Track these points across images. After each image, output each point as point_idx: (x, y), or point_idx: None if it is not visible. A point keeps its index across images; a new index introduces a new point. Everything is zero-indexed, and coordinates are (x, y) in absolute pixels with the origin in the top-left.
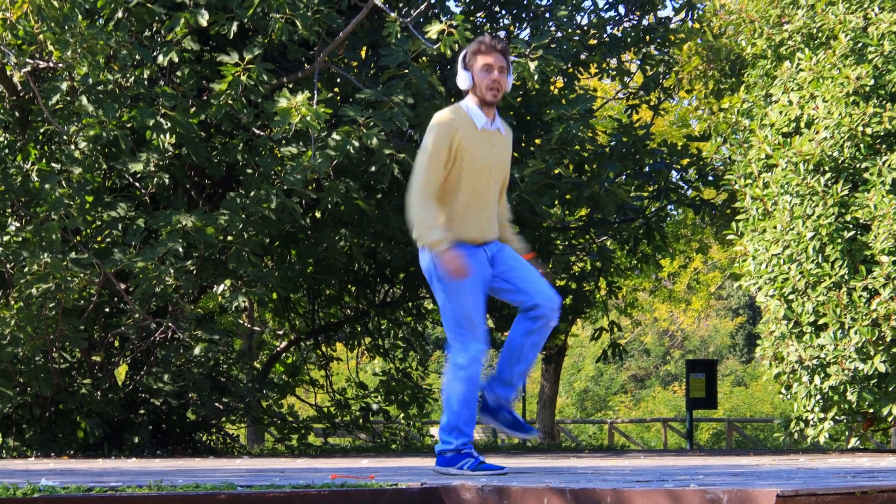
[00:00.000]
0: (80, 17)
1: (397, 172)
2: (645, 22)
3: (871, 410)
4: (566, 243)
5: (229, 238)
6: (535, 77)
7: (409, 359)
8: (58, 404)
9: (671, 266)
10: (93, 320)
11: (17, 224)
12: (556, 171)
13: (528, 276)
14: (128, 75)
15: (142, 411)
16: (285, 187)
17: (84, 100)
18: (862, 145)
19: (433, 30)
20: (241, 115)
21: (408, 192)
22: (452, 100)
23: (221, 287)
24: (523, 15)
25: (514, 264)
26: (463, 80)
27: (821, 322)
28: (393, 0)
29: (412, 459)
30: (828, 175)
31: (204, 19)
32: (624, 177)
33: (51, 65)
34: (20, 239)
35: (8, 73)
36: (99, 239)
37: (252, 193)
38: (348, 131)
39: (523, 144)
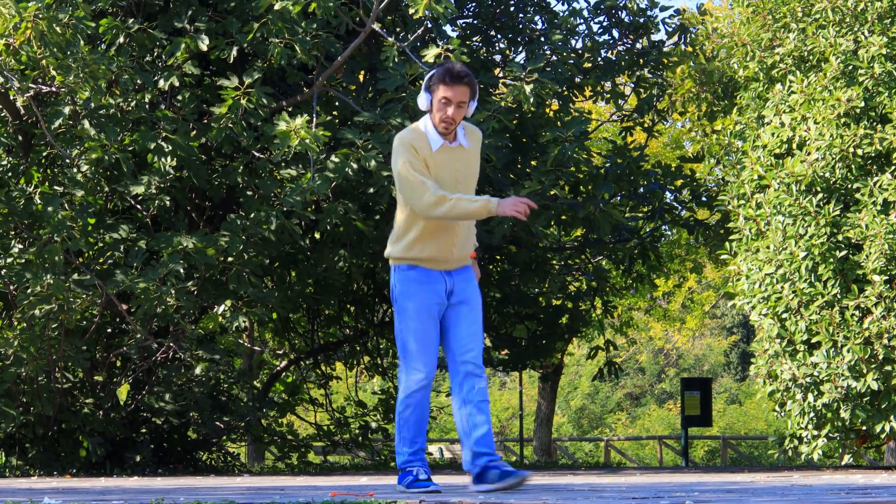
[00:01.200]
0: (82, 42)
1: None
2: (639, 45)
3: (865, 428)
4: (562, 263)
5: (230, 259)
6: (531, 100)
7: None
8: (60, 423)
9: (666, 285)
10: (95, 340)
11: (21, 246)
12: (552, 193)
13: (463, 344)
14: (129, 99)
15: (143, 430)
16: (285, 209)
17: (86, 123)
18: (853, 166)
19: (430, 54)
20: (240, 138)
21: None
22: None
23: (222, 307)
24: (518, 39)
25: (459, 324)
26: (422, 101)
27: (814, 340)
28: (390, 25)
29: None
30: (820, 195)
31: (204, 44)
32: (619, 198)
33: (53, 89)
34: (23, 261)
35: (11, 97)
36: (101, 260)
37: (252, 215)
38: (347, 154)
39: (519, 166)
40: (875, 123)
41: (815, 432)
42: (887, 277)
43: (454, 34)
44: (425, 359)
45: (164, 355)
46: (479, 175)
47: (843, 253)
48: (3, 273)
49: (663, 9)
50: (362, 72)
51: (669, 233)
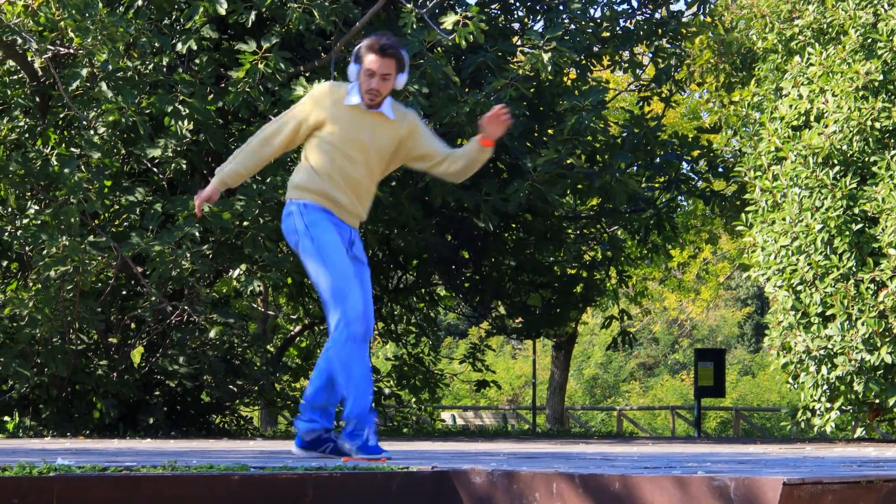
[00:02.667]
0: (100, 4)
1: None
2: (657, 15)
3: (878, 401)
4: (578, 232)
5: (245, 223)
6: (549, 68)
7: (421, 344)
8: (74, 385)
9: (681, 256)
10: (110, 303)
11: (37, 207)
12: (569, 161)
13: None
14: (147, 62)
15: (157, 393)
16: None
17: (104, 86)
18: (871, 139)
19: (448, 20)
20: (258, 102)
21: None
22: (467, 90)
23: (237, 271)
24: (537, 7)
25: (361, 277)
26: (351, 72)
27: (828, 313)
28: None
29: (423, 443)
30: (836, 168)
31: (222, 8)
32: (635, 167)
33: (71, 51)
34: (39, 222)
35: (29, 58)
36: (117, 223)
37: (268, 180)
38: None
39: (536, 135)
40: (893, 97)
41: (828, 405)
42: None
43: (472, 1)
44: (355, 293)
45: (179, 318)
46: (389, 158)
47: (859, 226)
48: (19, 234)
49: None
50: None
51: (685, 203)
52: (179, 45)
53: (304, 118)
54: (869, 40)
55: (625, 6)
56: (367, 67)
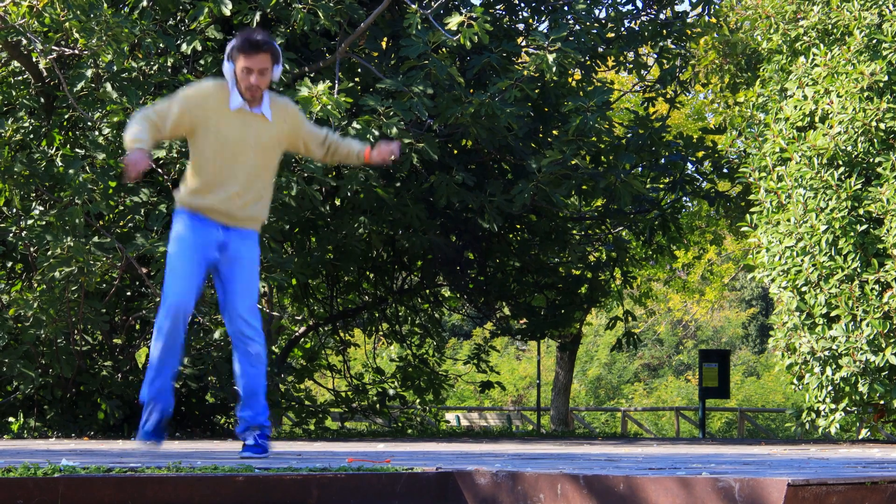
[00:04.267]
0: (105, 5)
1: (416, 161)
2: (662, 16)
3: (882, 402)
4: (582, 233)
5: None
6: (553, 69)
7: (425, 345)
8: (79, 386)
9: (685, 257)
10: (114, 303)
11: (42, 208)
12: (573, 162)
13: (237, 300)
14: (151, 63)
15: None
16: (305, 175)
17: (108, 87)
18: (875, 140)
19: (453, 21)
20: None
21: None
22: (472, 91)
23: None
24: (542, 8)
25: (234, 280)
26: (226, 71)
27: (833, 314)
28: None
29: (428, 444)
30: (841, 169)
31: (227, 9)
32: (640, 168)
33: (76, 52)
34: (44, 223)
35: (34, 59)
36: (121, 223)
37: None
38: (368, 120)
39: (541, 135)
40: None
41: (833, 406)
42: None
43: (477, 2)
44: (179, 292)
45: None
46: (275, 154)
47: (864, 227)
48: (23, 235)
49: None
50: (385, 39)
51: (690, 204)
52: (184, 46)
53: (186, 111)
54: (874, 41)
55: (629, 7)
56: (242, 66)
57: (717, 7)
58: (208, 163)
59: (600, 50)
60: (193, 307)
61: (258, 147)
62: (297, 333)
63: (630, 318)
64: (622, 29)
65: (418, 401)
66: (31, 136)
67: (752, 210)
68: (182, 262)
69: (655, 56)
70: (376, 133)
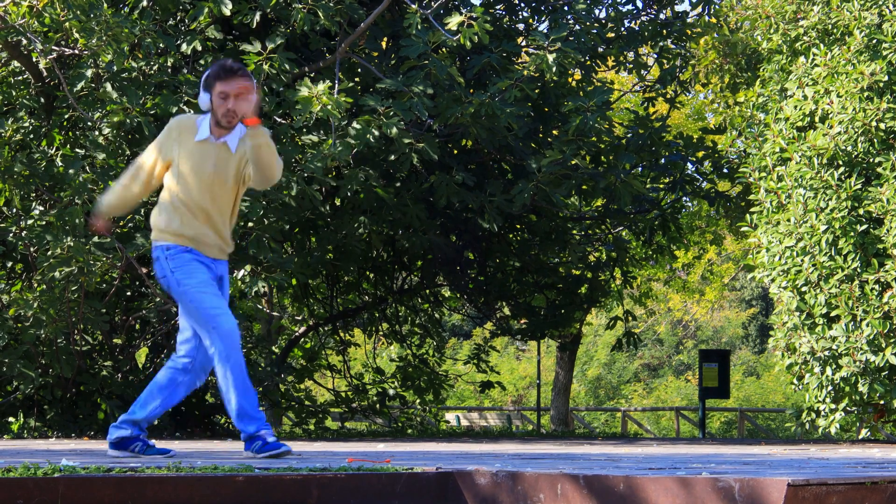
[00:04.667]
0: (105, 5)
1: (416, 161)
2: (662, 16)
3: (882, 402)
4: (582, 233)
5: (250, 224)
6: (553, 69)
7: (425, 345)
8: (79, 386)
9: (685, 257)
10: (114, 303)
11: (42, 208)
12: (573, 162)
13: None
14: (151, 63)
15: None
16: (306, 175)
17: (108, 87)
18: (875, 140)
19: (453, 21)
20: (262, 103)
21: None
22: (472, 91)
23: (242, 272)
24: (542, 8)
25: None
26: (203, 101)
27: (833, 314)
28: None
29: (428, 444)
30: (841, 169)
31: (227, 9)
32: (640, 168)
33: (76, 52)
34: (44, 223)
35: (34, 59)
36: (121, 223)
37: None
38: (368, 120)
39: (541, 136)
40: None
41: (833, 406)
42: None
43: (477, 2)
44: (225, 314)
45: None
46: (236, 185)
47: (864, 227)
48: (23, 235)
49: None
50: (385, 39)
51: (690, 204)
52: (184, 46)
53: (157, 154)
54: (874, 41)
55: (629, 7)
56: (219, 91)
57: (717, 7)
58: (182, 197)
59: (600, 50)
60: None
61: (220, 177)
62: (297, 333)
63: (630, 318)
64: (622, 29)
65: (418, 401)
66: (31, 136)
67: (752, 210)
68: (215, 296)
69: (655, 56)
70: (376, 133)
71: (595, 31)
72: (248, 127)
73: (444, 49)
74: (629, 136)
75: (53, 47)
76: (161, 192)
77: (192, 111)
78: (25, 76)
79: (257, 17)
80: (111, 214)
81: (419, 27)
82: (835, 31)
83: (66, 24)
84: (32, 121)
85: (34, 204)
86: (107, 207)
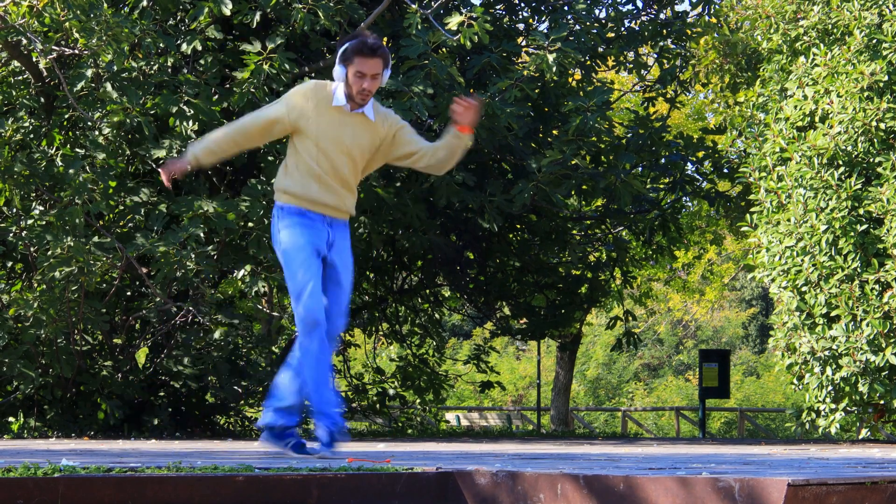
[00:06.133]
0: (105, 5)
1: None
2: (662, 16)
3: (882, 402)
4: (582, 233)
5: (250, 224)
6: (554, 69)
7: (425, 345)
8: (79, 386)
9: (685, 257)
10: (114, 303)
11: (42, 208)
12: (573, 162)
13: (335, 293)
14: (152, 63)
15: (162, 394)
16: None
17: (108, 86)
18: (876, 140)
19: (453, 21)
20: (263, 103)
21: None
22: (472, 91)
23: (242, 272)
24: (542, 8)
25: (334, 273)
26: (337, 73)
27: (833, 314)
28: None
29: (428, 444)
30: (841, 169)
31: (227, 9)
32: (640, 168)
33: (76, 52)
34: (44, 223)
35: (34, 59)
36: (121, 223)
37: (273, 180)
38: None
39: (541, 135)
40: None
41: (833, 406)
42: None
43: (477, 2)
44: (313, 298)
45: (184, 319)
46: (370, 157)
47: (864, 227)
48: (23, 235)
49: None
50: (385, 38)
51: (690, 204)
52: (184, 46)
53: (285, 115)
54: (874, 41)
55: (629, 7)
56: (357, 70)
57: (717, 7)
58: (310, 160)
59: (600, 50)
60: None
61: (355, 145)
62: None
63: (630, 318)
64: (622, 29)
65: (418, 401)
66: (31, 136)
67: (752, 210)
68: (308, 263)
69: (655, 56)
70: None
71: (595, 31)
72: (462, 134)
73: (444, 49)
74: (629, 136)
75: (53, 47)
76: (288, 155)
77: (191, 111)
78: (25, 76)
79: (257, 17)
80: (204, 161)
81: (419, 27)
82: (835, 30)
83: (66, 23)
84: (32, 121)
85: (34, 204)
86: (204, 151)
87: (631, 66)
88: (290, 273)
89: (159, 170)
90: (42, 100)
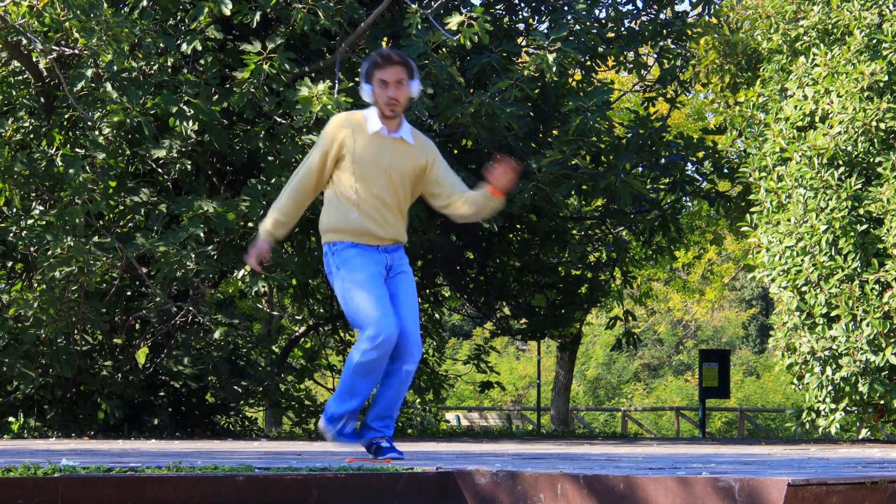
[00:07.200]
0: (105, 5)
1: None
2: (662, 16)
3: (882, 402)
4: (582, 233)
5: (250, 224)
6: (554, 69)
7: (425, 345)
8: (79, 386)
9: (685, 257)
10: (114, 303)
11: (42, 208)
12: (573, 162)
13: (405, 314)
14: (152, 63)
15: (162, 394)
16: None
17: (108, 86)
18: (875, 140)
19: (453, 21)
20: (262, 103)
21: None
22: (472, 91)
23: (242, 272)
24: (542, 8)
25: (399, 294)
26: (365, 93)
27: (833, 314)
28: None
29: (428, 444)
30: (841, 169)
31: (227, 9)
32: (640, 168)
33: (76, 52)
34: (44, 222)
35: (34, 59)
36: (121, 223)
37: (273, 180)
38: None
39: (541, 135)
40: None
41: (833, 406)
42: None
43: (477, 2)
44: (383, 313)
45: (184, 319)
46: (413, 183)
47: (864, 227)
48: (24, 235)
49: None
50: (385, 38)
51: (690, 204)
52: (184, 46)
53: (327, 151)
54: (874, 41)
55: (629, 7)
56: (378, 79)
57: (717, 7)
58: (353, 190)
59: (600, 50)
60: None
61: (395, 169)
62: (297, 333)
63: (630, 318)
64: (622, 29)
65: (418, 401)
66: (31, 136)
67: (752, 210)
68: (378, 292)
69: (655, 56)
70: None
71: (595, 31)
72: (495, 197)
73: (444, 49)
74: (629, 136)
75: (53, 47)
76: (331, 189)
77: (191, 111)
78: (25, 76)
79: (257, 16)
80: (277, 233)
81: (419, 27)
82: (835, 31)
83: (66, 23)
84: (32, 121)
85: (34, 204)
86: (275, 225)
87: (631, 66)
88: (357, 303)
89: (247, 262)
90: (42, 100)
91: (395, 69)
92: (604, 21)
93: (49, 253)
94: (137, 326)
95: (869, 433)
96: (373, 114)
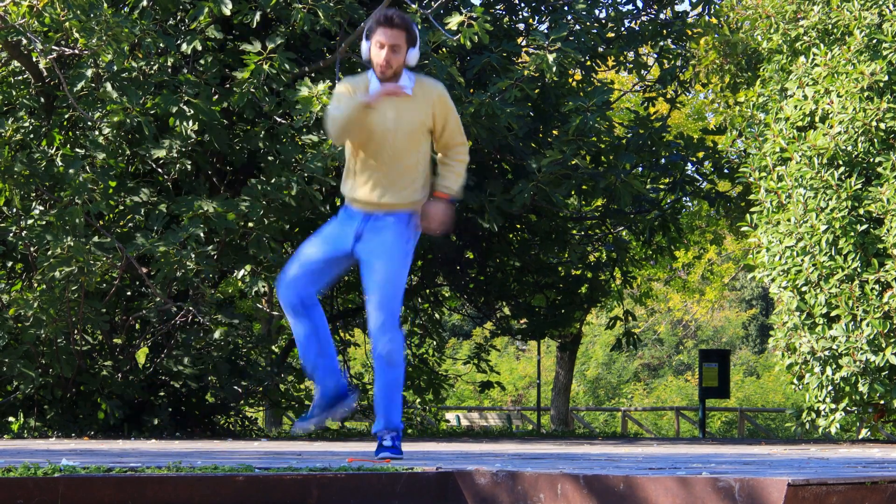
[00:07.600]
0: (105, 4)
1: None
2: (662, 16)
3: (882, 402)
4: (582, 233)
5: (250, 224)
6: (554, 69)
7: (425, 345)
8: (79, 386)
9: (685, 257)
10: (114, 303)
11: (42, 208)
12: (573, 162)
13: (370, 288)
14: (152, 63)
15: (162, 394)
16: (306, 175)
17: (108, 86)
18: (876, 140)
19: (453, 21)
20: (262, 103)
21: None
22: (472, 91)
23: (242, 272)
24: (542, 8)
25: (368, 269)
26: (363, 50)
27: (833, 314)
28: None
29: (428, 444)
30: (842, 169)
31: (227, 8)
32: (640, 168)
33: (76, 52)
34: (44, 222)
35: (34, 59)
36: (121, 223)
37: (273, 180)
38: None
39: (541, 135)
40: None
41: (833, 406)
42: None
43: (477, 2)
44: (296, 269)
45: (184, 319)
46: (426, 131)
47: (864, 227)
48: (24, 235)
49: None
50: None
51: (690, 204)
52: (184, 46)
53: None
54: (874, 41)
55: (630, 7)
56: (376, 40)
57: (717, 7)
58: (356, 153)
59: (600, 50)
60: (311, 293)
61: (402, 129)
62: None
63: (630, 318)
64: (622, 29)
65: (418, 400)
66: (31, 136)
67: (752, 210)
68: (310, 249)
69: (655, 56)
70: None
71: (595, 31)
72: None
73: (444, 49)
74: (629, 136)
75: (53, 47)
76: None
77: (191, 111)
78: (25, 76)
79: (257, 16)
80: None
81: (419, 27)
82: (835, 30)
83: (66, 23)
84: (32, 121)
85: (34, 204)
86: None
87: (631, 66)
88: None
89: (384, 93)
90: (42, 100)
91: (394, 33)
92: (604, 21)
93: (49, 253)
94: (137, 326)
95: (869, 433)
96: (373, 76)
